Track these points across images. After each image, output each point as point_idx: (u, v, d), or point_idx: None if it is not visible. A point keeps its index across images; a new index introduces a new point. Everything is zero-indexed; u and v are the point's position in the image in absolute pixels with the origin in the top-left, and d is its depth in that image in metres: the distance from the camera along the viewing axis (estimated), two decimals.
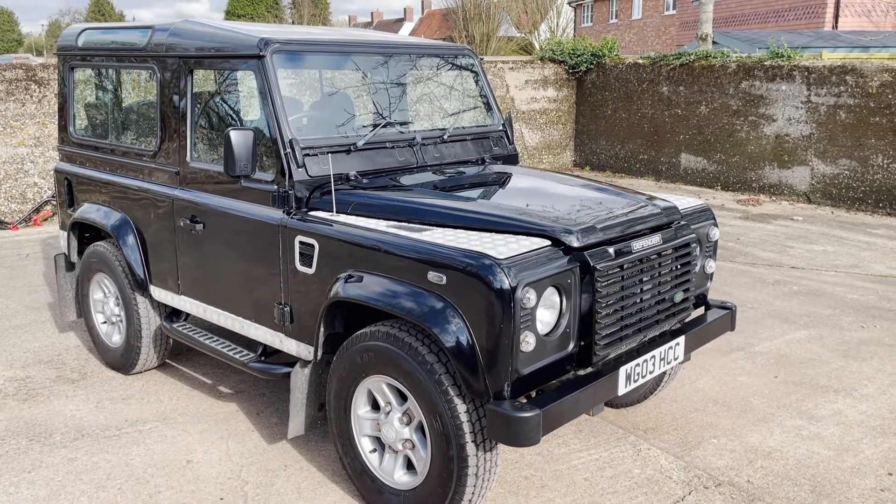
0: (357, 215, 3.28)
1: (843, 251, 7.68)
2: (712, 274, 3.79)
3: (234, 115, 3.87)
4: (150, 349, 4.50)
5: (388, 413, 3.08)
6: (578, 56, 12.90)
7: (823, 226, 8.90)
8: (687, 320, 3.55)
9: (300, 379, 3.34)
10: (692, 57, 11.43)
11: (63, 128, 4.91)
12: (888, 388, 4.47)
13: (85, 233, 4.86)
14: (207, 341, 4.05)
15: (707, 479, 3.49)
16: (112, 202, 4.48)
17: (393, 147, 3.73)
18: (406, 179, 3.63)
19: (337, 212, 3.30)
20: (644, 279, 3.09)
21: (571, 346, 2.90)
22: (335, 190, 3.33)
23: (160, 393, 4.42)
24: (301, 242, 3.30)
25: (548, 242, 2.86)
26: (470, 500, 2.90)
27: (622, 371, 3.04)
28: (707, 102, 11.25)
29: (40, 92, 9.07)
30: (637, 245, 3.05)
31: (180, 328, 4.29)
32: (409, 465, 3.11)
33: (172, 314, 4.42)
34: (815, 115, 10.03)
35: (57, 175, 4.98)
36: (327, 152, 3.46)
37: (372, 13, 65.75)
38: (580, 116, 13.30)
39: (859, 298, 6.13)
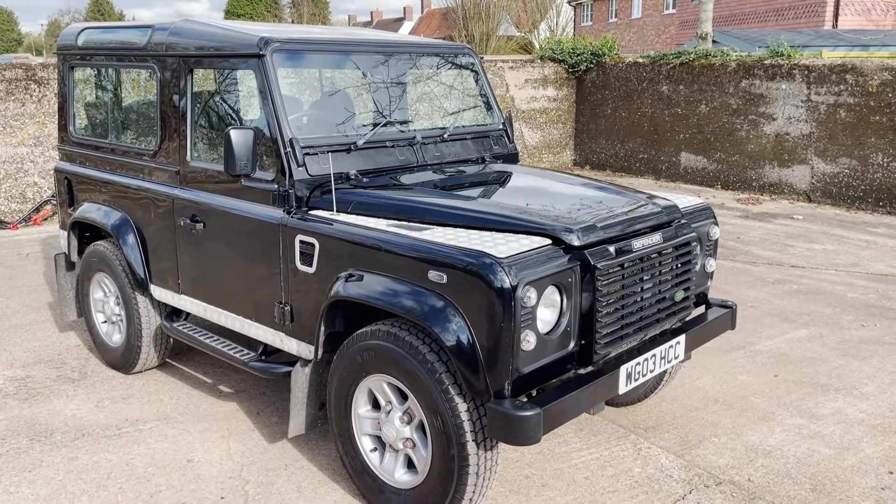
0: (357, 214, 3.28)
1: (843, 250, 7.68)
2: (713, 273, 3.79)
3: (234, 115, 3.87)
4: (150, 348, 4.50)
5: (389, 412, 3.08)
6: (578, 55, 12.90)
7: (823, 224, 8.90)
8: (687, 319, 3.55)
9: (301, 378, 3.34)
10: (692, 56, 11.43)
11: (63, 127, 4.91)
12: (888, 386, 4.47)
13: (85, 232, 4.86)
14: (208, 340, 4.05)
15: (708, 478, 3.49)
16: (112, 201, 4.47)
17: (393, 146, 3.73)
18: (406, 178, 3.63)
19: (337, 211, 3.30)
20: (644, 278, 3.09)
21: (572, 344, 2.89)
22: (335, 189, 3.32)
23: (160, 392, 4.43)
24: (301, 241, 3.29)
25: (548, 241, 2.86)
26: (471, 499, 2.90)
27: (623, 370, 3.04)
28: (707, 101, 11.25)
29: (40, 91, 9.06)
30: (637, 244, 3.05)
31: (181, 327, 4.29)
32: (410, 464, 3.11)
33: (173, 313, 4.42)
34: (815, 113, 10.03)
35: (57, 174, 4.97)
36: (327, 151, 3.46)
37: (371, 12, 65.72)
38: (580, 115, 13.30)
39: (859, 297, 6.13)
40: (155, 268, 4.25)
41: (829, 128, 9.91)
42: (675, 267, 3.26)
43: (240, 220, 3.60)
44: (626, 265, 2.97)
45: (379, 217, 3.23)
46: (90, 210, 4.60)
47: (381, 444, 3.21)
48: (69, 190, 4.85)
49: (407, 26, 56.82)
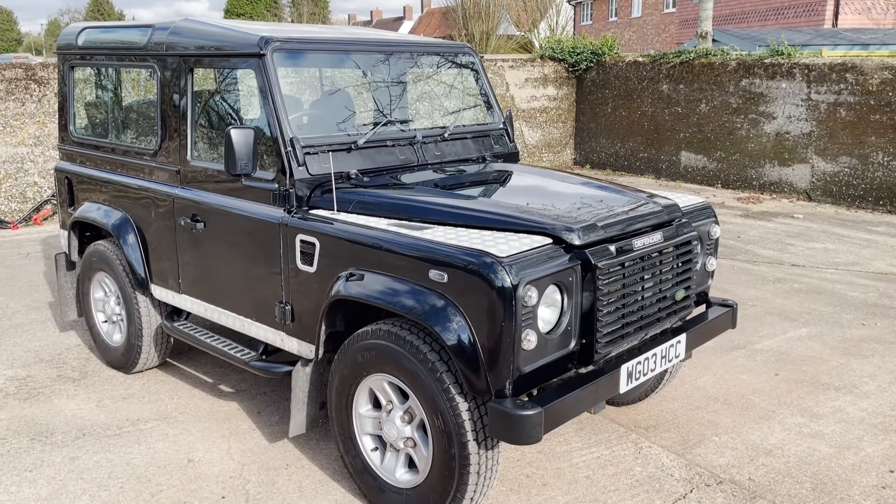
0: (358, 214, 3.28)
1: (843, 249, 7.68)
2: (713, 272, 3.79)
3: (234, 114, 3.87)
4: (150, 348, 4.50)
5: (390, 411, 3.08)
6: (578, 54, 12.90)
7: (824, 223, 8.90)
8: (688, 318, 3.55)
9: (301, 377, 3.34)
10: (692, 55, 11.43)
11: (63, 127, 4.91)
12: (889, 385, 4.47)
13: (85, 232, 4.86)
14: (208, 340, 4.05)
15: (708, 477, 3.49)
16: (113, 201, 4.47)
17: (393, 145, 3.72)
18: (407, 178, 3.62)
19: (338, 210, 3.30)
20: (645, 277, 3.09)
21: (573, 344, 2.89)
22: (336, 188, 3.32)
23: (161, 392, 4.43)
24: (302, 241, 3.29)
25: (549, 240, 2.86)
26: (471, 499, 2.91)
27: (623, 369, 3.04)
28: (707, 100, 11.25)
29: (40, 91, 9.06)
30: (638, 243, 3.05)
31: (181, 327, 4.29)
32: (411, 464, 3.11)
33: (173, 313, 4.42)
34: (815, 112, 10.03)
35: (57, 174, 4.97)
36: (328, 151, 3.46)
37: (371, 11, 65.68)
38: (580, 115, 13.30)
39: (860, 296, 6.13)
40: (155, 267, 4.25)
41: (830, 127, 9.90)
42: (675, 266, 3.25)
43: (240, 219, 3.60)
44: (626, 264, 2.97)
45: (379, 216, 3.23)
46: (91, 210, 4.60)
47: (381, 443, 3.21)
48: (69, 189, 4.85)
49: (407, 25, 56.80)
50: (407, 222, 3.13)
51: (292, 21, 52.96)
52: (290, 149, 3.35)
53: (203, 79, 4.01)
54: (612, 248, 2.94)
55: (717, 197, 10.52)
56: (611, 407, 4.14)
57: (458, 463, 2.81)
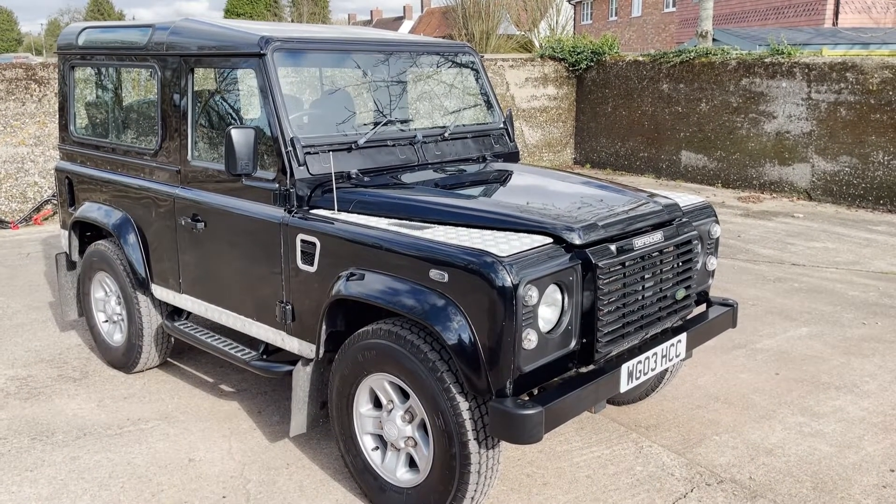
0: (358, 213, 3.28)
1: (843, 248, 7.68)
2: (713, 271, 3.79)
3: (234, 114, 3.87)
4: (151, 348, 4.50)
5: (391, 411, 3.08)
6: (578, 54, 12.90)
7: (824, 223, 8.90)
8: (688, 317, 3.55)
9: (302, 377, 3.34)
10: (692, 54, 11.42)
11: (64, 127, 4.91)
12: (889, 384, 4.47)
13: (86, 231, 4.86)
14: (209, 340, 4.05)
15: (709, 476, 3.49)
16: (113, 201, 4.48)
17: (394, 145, 3.73)
18: (407, 177, 3.63)
19: (338, 210, 3.30)
20: (646, 276, 3.09)
21: (573, 343, 2.90)
22: (336, 188, 3.32)
23: (162, 392, 4.43)
24: (303, 241, 3.30)
25: (549, 240, 2.86)
26: (472, 498, 2.91)
27: (624, 368, 3.04)
28: (707, 100, 11.25)
29: (40, 91, 9.06)
30: (639, 242, 3.05)
31: (182, 327, 4.29)
32: (412, 463, 3.11)
33: (174, 313, 4.42)
34: (815, 112, 10.03)
35: (58, 174, 4.97)
36: (328, 150, 3.46)
37: (371, 11, 65.69)
38: (580, 114, 13.30)
39: (860, 295, 6.13)
40: (156, 267, 4.26)
41: (830, 126, 9.90)
42: (676, 265, 3.26)
43: (241, 219, 3.60)
44: (627, 264, 2.97)
45: (380, 216, 3.23)
46: (91, 209, 4.60)
47: (382, 442, 3.22)
48: (70, 189, 4.85)
49: (407, 25, 56.80)
50: (407, 222, 3.13)
51: (292, 21, 52.95)
52: (290, 148, 3.35)
53: (203, 78, 4.02)
54: (613, 247, 2.94)
55: (718, 196, 10.52)
56: (611, 406, 4.14)
57: (458, 462, 2.82)
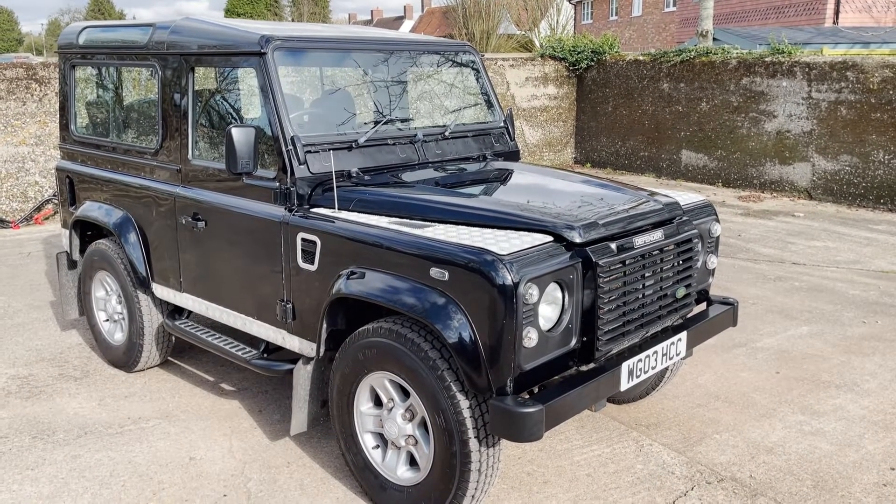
0: (359, 212, 3.28)
1: (844, 247, 7.68)
2: (714, 270, 3.79)
3: (235, 113, 3.87)
4: (152, 347, 4.50)
5: (391, 409, 3.08)
6: (579, 53, 12.89)
7: (825, 222, 8.90)
8: (689, 316, 3.55)
9: (303, 376, 3.34)
10: (693, 53, 11.42)
11: (64, 126, 4.92)
12: (890, 383, 4.47)
13: (87, 231, 4.86)
14: (210, 338, 4.06)
15: (709, 475, 3.49)
16: (114, 200, 4.48)
17: (394, 144, 3.73)
18: (408, 176, 3.63)
19: (339, 208, 3.30)
20: (646, 275, 3.09)
21: (574, 341, 2.90)
22: (337, 187, 3.33)
23: (162, 390, 4.43)
24: (303, 239, 3.30)
25: (550, 238, 2.86)
26: (472, 496, 2.91)
27: (624, 367, 3.04)
28: (708, 99, 11.24)
29: (41, 91, 9.07)
30: (639, 241, 3.05)
31: (182, 326, 4.29)
32: (412, 461, 3.12)
33: (174, 312, 4.42)
34: (815, 111, 10.03)
35: (58, 173, 4.98)
36: (329, 149, 3.46)
37: (372, 11, 65.70)
38: (581, 113, 13.29)
39: (861, 294, 6.13)
40: (157, 266, 4.26)
41: (830, 125, 9.90)
42: (676, 264, 3.26)
43: (241, 218, 3.60)
44: (627, 262, 2.97)
45: (380, 215, 3.23)
46: (92, 209, 4.60)
47: (383, 441, 3.22)
48: (71, 189, 4.86)
49: (407, 25, 56.81)
50: (408, 220, 3.13)
51: (292, 20, 52.96)
52: (291, 147, 3.35)
53: (204, 78, 4.02)
54: (613, 245, 2.95)
55: (718, 195, 10.52)
56: (612, 405, 4.14)
57: (459, 460, 2.82)
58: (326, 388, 3.38)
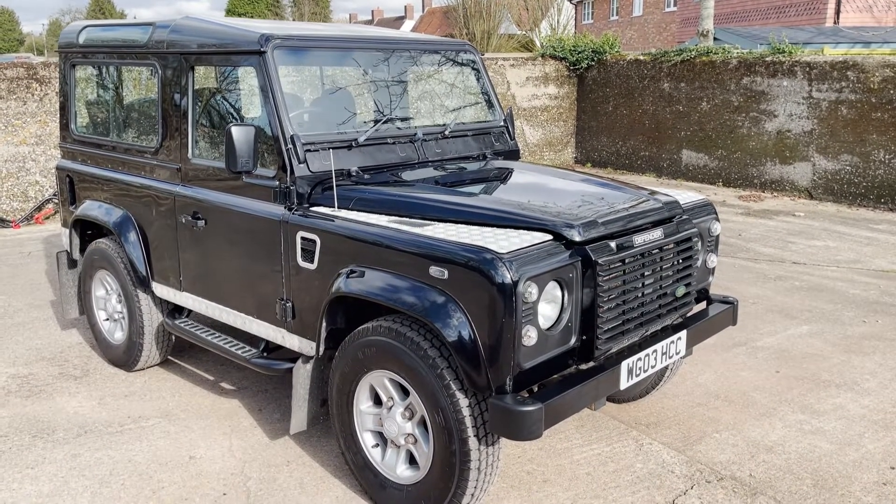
0: (359, 211, 3.28)
1: (844, 247, 7.68)
2: (714, 269, 3.79)
3: (235, 112, 3.87)
4: (152, 346, 4.50)
5: (391, 408, 3.08)
6: (579, 53, 12.89)
7: (825, 221, 8.89)
8: (689, 315, 3.55)
9: (302, 375, 3.34)
10: (693, 53, 11.42)
11: (65, 125, 4.92)
12: (890, 382, 4.47)
13: (87, 230, 4.87)
14: (209, 338, 4.06)
15: (709, 474, 3.49)
16: (114, 199, 4.48)
17: (394, 143, 3.73)
18: (407, 175, 3.63)
19: (338, 207, 3.30)
20: (646, 273, 3.09)
21: (573, 340, 2.90)
22: (337, 185, 3.33)
23: (162, 389, 4.43)
24: (303, 238, 3.30)
25: (549, 237, 2.86)
26: (472, 495, 2.91)
27: (624, 365, 3.04)
28: (708, 99, 11.24)
29: (41, 90, 9.07)
30: (639, 239, 3.05)
31: (182, 325, 4.29)
32: (412, 460, 3.12)
33: (174, 311, 4.42)
34: (816, 110, 10.02)
35: (59, 173, 4.98)
36: (329, 148, 3.46)
37: (372, 11, 65.72)
38: (581, 113, 13.29)
39: (861, 293, 6.13)
40: (157, 265, 4.26)
41: (831, 125, 9.90)
42: (676, 263, 3.26)
43: (241, 216, 3.60)
44: (627, 261, 2.97)
45: (380, 213, 3.24)
46: (92, 208, 4.61)
47: (382, 439, 3.22)
48: (71, 188, 4.86)
49: (408, 25, 56.81)
50: (408, 219, 3.13)
51: (293, 20, 52.97)
52: (290, 146, 3.35)
53: (204, 77, 4.02)
54: (613, 244, 2.95)
55: (719, 195, 10.52)
56: (611, 404, 4.14)
57: (458, 459, 2.82)
58: (326, 387, 3.38)
